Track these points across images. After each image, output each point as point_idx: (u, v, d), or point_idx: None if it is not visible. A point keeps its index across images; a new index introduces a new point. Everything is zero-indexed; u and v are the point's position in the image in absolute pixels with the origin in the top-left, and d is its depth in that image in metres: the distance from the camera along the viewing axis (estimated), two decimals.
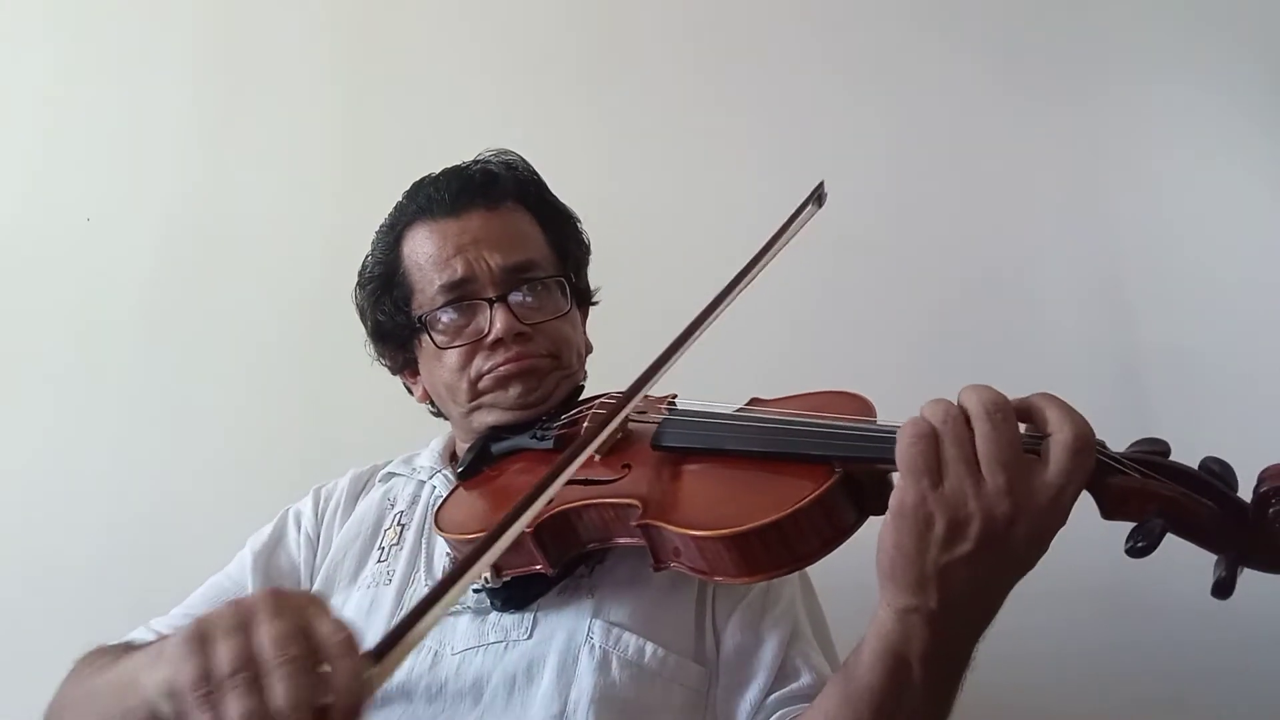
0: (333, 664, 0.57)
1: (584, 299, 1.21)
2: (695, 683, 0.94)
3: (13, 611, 1.58)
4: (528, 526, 0.86)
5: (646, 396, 1.01)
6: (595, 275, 1.26)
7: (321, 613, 0.61)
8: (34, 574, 1.60)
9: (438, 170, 1.19)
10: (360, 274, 1.19)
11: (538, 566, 0.91)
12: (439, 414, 1.20)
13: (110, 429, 1.71)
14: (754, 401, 0.95)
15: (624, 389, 1.02)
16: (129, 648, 0.99)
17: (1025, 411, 0.69)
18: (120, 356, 1.75)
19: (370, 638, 0.91)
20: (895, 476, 0.73)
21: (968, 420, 0.66)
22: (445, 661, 0.94)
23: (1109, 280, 1.81)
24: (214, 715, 0.56)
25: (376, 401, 1.66)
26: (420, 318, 1.09)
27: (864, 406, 0.85)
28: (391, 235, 1.15)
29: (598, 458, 0.93)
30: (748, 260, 0.88)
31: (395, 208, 1.18)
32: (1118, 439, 0.72)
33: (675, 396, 1.02)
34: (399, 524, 1.12)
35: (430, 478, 1.16)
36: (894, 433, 0.70)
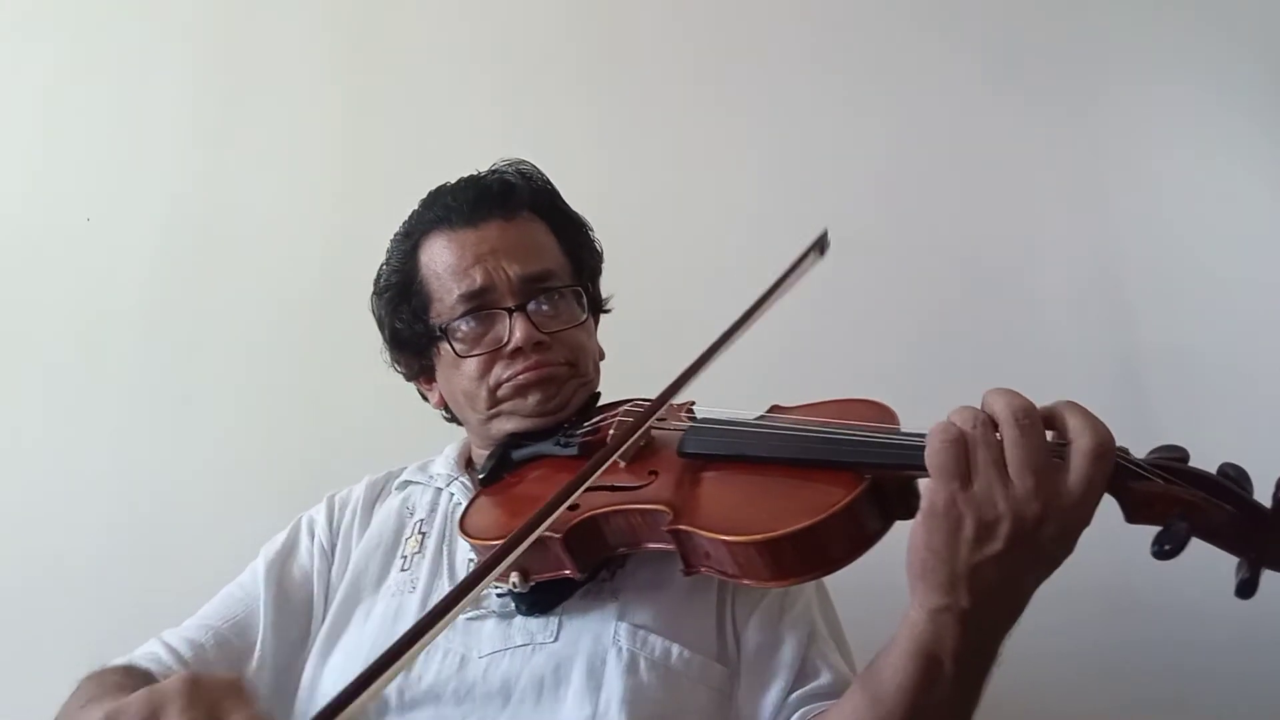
0: None
1: (597, 307, 1.23)
2: (719, 684, 0.96)
3: (12, 611, 1.58)
4: (555, 532, 0.88)
5: (668, 405, 1.03)
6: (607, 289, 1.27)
7: (237, 704, 0.63)
8: (34, 574, 1.60)
9: (452, 178, 1.20)
10: (376, 282, 1.20)
11: (566, 571, 0.92)
12: (452, 420, 1.22)
13: (110, 428, 1.71)
14: (774, 409, 0.97)
15: (641, 396, 1.06)
16: (128, 672, 1.00)
17: (1049, 419, 0.71)
18: (120, 356, 1.75)
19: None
20: (921, 482, 0.76)
21: (995, 425, 0.69)
22: (473, 665, 0.95)
23: (1109, 280, 1.81)
24: None
25: (376, 401, 1.66)
26: (440, 326, 1.10)
27: (887, 414, 0.87)
28: (408, 244, 1.16)
29: (623, 464, 0.94)
30: (746, 309, 0.91)
31: (411, 216, 1.19)
32: (1119, 439, 0.72)
33: (693, 404, 1.03)
34: (420, 532, 1.13)
35: (448, 485, 1.17)
36: (920, 440, 0.72)
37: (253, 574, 1.14)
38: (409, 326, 1.14)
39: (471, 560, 1.04)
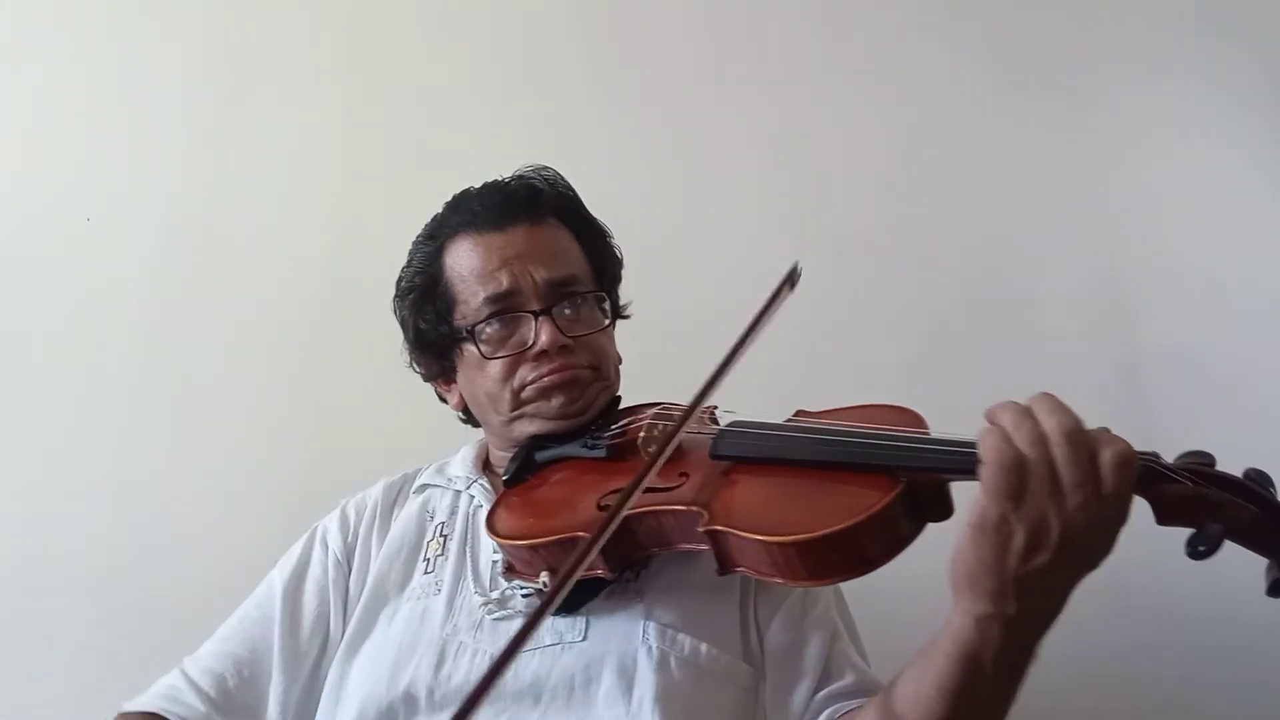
0: None
1: (617, 313, 1.24)
2: (745, 682, 0.98)
3: (12, 611, 1.58)
4: (587, 532, 0.89)
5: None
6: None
7: None
8: (34, 574, 1.60)
9: (451, 178, 1.21)
10: (398, 284, 1.21)
11: (599, 571, 0.93)
12: (468, 422, 1.22)
13: (110, 428, 1.71)
14: (800, 413, 0.98)
15: (655, 398, 1.10)
16: None
17: None
18: (120, 356, 1.75)
19: (424, 644, 0.99)
20: (952, 486, 0.79)
21: (1048, 443, 0.70)
22: None
23: (1109, 280, 1.81)
24: None
25: (375, 400, 1.67)
26: (465, 328, 1.11)
27: (915, 420, 0.88)
28: (432, 246, 1.17)
29: None
30: (729, 349, 0.89)
31: (434, 219, 1.20)
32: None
33: (715, 408, 1.04)
34: (441, 535, 1.13)
35: (468, 487, 1.18)
36: (954, 445, 0.76)
37: (269, 593, 1.14)
38: (433, 328, 1.15)
39: (495, 561, 1.05)
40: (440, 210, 1.20)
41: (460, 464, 1.22)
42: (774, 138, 1.92)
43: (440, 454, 1.27)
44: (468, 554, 1.09)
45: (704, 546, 0.86)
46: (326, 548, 1.17)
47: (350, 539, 1.17)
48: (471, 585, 1.05)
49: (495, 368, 1.10)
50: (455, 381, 1.19)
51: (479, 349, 1.10)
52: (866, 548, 0.78)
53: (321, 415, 1.72)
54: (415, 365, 1.23)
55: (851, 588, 1.11)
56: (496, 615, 1.00)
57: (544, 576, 0.94)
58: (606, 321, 1.16)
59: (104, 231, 1.82)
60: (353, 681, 1.03)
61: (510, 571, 1.00)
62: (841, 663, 0.98)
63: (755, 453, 0.92)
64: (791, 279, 0.95)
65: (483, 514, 1.08)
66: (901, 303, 1.80)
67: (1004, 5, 1.99)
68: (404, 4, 1.99)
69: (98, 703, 1.08)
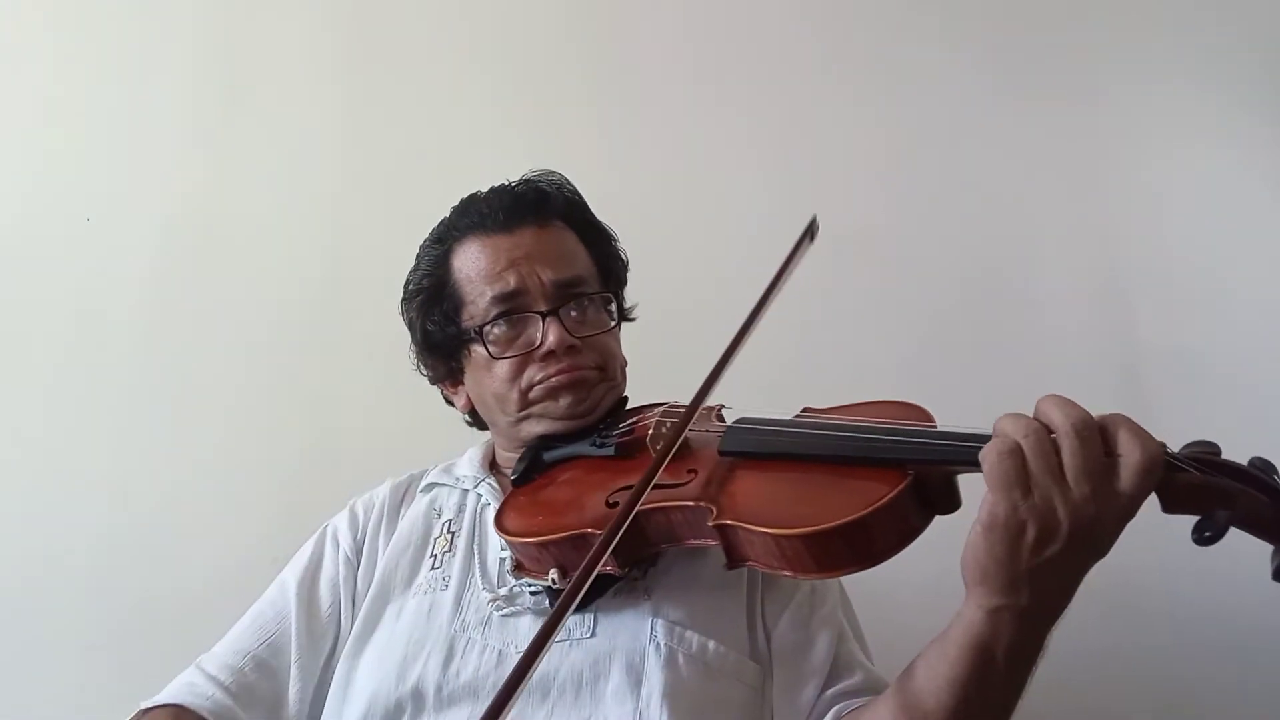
0: None
1: (623, 315, 1.25)
2: (753, 680, 0.99)
3: (12, 611, 1.58)
4: (597, 529, 0.90)
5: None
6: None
7: None
8: (34, 574, 1.60)
9: (451, 178, 1.22)
10: (406, 288, 1.21)
11: (608, 568, 0.93)
12: (474, 424, 1.23)
13: (109, 428, 1.71)
14: (806, 410, 0.98)
15: (659, 398, 1.10)
16: (178, 713, 1.02)
17: (1101, 429, 0.73)
18: (120, 356, 1.75)
19: (432, 640, 1.00)
20: (960, 478, 0.80)
21: (1048, 432, 0.72)
22: (510, 660, 0.97)
23: (1109, 280, 1.81)
24: None
25: (375, 400, 1.67)
26: (473, 329, 1.12)
27: (922, 415, 0.89)
28: (440, 249, 1.18)
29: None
30: (751, 309, 0.93)
31: (442, 223, 1.21)
32: None
33: (723, 407, 1.05)
34: (449, 532, 1.14)
35: (475, 486, 1.18)
36: (961, 437, 0.77)
37: (282, 591, 1.15)
38: (441, 329, 1.16)
39: (503, 559, 1.06)
40: (447, 214, 1.21)
41: (468, 464, 1.23)
42: (774, 138, 1.92)
43: (440, 454, 1.27)
44: (475, 551, 1.10)
45: (713, 542, 0.87)
46: (338, 545, 1.18)
47: (359, 536, 1.18)
48: (480, 582, 1.06)
49: (503, 368, 1.10)
50: (462, 384, 1.20)
51: (487, 349, 1.11)
52: (875, 539, 0.78)
53: (321, 415, 1.72)
54: (422, 368, 1.23)
55: (857, 591, 1.11)
56: (505, 612, 1.01)
57: (553, 573, 0.95)
58: (613, 323, 1.17)
59: (104, 231, 1.82)
60: (360, 678, 1.03)
61: (519, 569, 1.01)
62: (849, 661, 0.99)
63: (762, 448, 0.92)
64: (811, 231, 0.97)
65: (490, 512, 1.09)
66: (902, 303, 1.80)
67: (1004, 5, 1.99)
68: (404, 4, 1.99)
69: (98, 703, 1.08)
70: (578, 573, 0.75)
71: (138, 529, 1.64)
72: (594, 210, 1.23)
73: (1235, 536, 0.72)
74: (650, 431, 1.03)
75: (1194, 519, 0.71)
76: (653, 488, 0.89)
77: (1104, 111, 1.91)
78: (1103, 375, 1.72)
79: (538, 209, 1.15)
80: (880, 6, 1.99)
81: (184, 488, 1.67)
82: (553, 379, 1.09)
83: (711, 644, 0.97)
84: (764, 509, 0.84)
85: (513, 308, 1.10)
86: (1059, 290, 1.81)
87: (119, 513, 1.65)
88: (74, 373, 1.74)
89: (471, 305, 1.13)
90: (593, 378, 1.11)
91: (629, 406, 1.16)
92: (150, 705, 1.04)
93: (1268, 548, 0.72)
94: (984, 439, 0.74)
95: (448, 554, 1.11)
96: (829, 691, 0.97)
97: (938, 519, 0.81)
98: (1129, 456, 0.71)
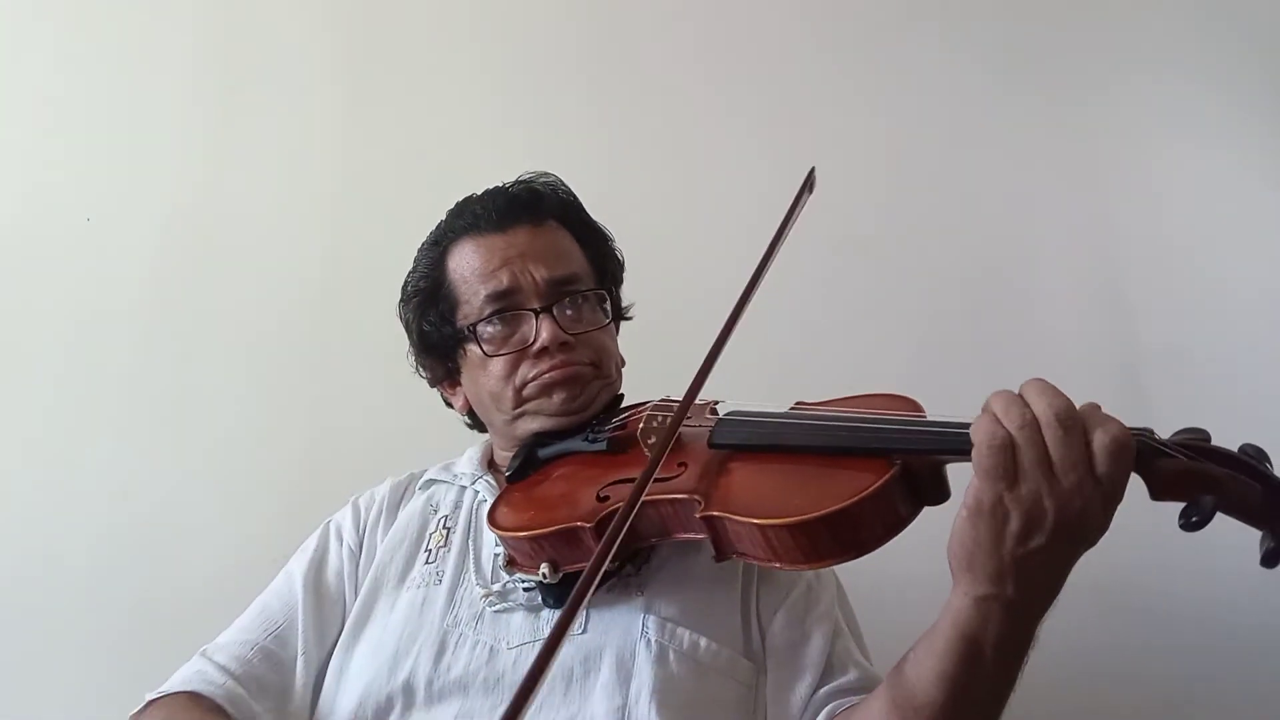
0: None
1: (619, 314, 1.26)
2: (746, 678, 0.98)
3: (12, 611, 1.58)
4: (587, 522, 0.91)
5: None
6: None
7: None
8: (33, 573, 1.60)
9: (451, 177, 1.23)
10: (403, 289, 1.22)
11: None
12: (474, 426, 1.24)
13: (110, 428, 1.71)
14: (799, 405, 0.98)
15: (656, 394, 1.10)
16: (196, 703, 1.02)
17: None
18: (119, 356, 1.75)
19: (425, 634, 1.00)
20: (948, 469, 0.80)
21: (1039, 426, 0.71)
22: (502, 656, 0.97)
23: (1109, 280, 1.81)
24: None
25: (375, 401, 1.67)
26: (467, 327, 1.13)
27: (912, 406, 0.88)
28: (436, 250, 1.19)
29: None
30: (759, 258, 0.94)
31: (439, 225, 1.21)
32: None
33: (718, 403, 1.05)
34: (444, 528, 1.15)
35: (473, 483, 1.19)
36: (948, 427, 0.77)
37: (288, 583, 1.15)
38: (436, 329, 1.17)
39: (498, 554, 1.06)
40: (445, 216, 1.22)
41: (467, 462, 1.24)
42: (774, 137, 1.92)
43: (440, 455, 1.28)
44: (470, 547, 1.11)
45: (701, 534, 0.87)
46: (341, 539, 1.19)
47: (360, 530, 1.19)
48: (474, 577, 1.06)
49: (497, 366, 1.11)
50: (460, 384, 1.20)
51: (481, 347, 1.11)
52: (861, 529, 0.79)
53: (321, 415, 1.72)
54: (421, 369, 1.24)
55: (857, 588, 1.11)
56: (497, 607, 1.01)
57: (544, 568, 0.95)
58: (607, 320, 1.17)
59: (104, 231, 1.82)
60: (353, 671, 1.04)
61: (511, 564, 1.01)
62: (844, 659, 0.99)
63: (752, 440, 0.93)
64: (809, 183, 0.98)
65: (486, 508, 1.09)
66: (901, 302, 1.80)
67: (1004, 5, 1.99)
68: (404, 4, 1.99)
69: (97, 703, 1.08)
70: (592, 562, 0.75)
71: (138, 529, 1.63)
72: (594, 209, 1.23)
73: (1236, 535, 0.72)
74: (641, 425, 1.03)
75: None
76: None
77: (1104, 111, 1.91)
78: (1103, 375, 1.72)
79: (531, 209, 1.16)
80: (880, 6, 1.99)
81: (184, 488, 1.67)
82: (546, 375, 1.10)
83: (704, 641, 0.96)
84: (750, 500, 0.85)
85: (506, 305, 1.11)
86: (1059, 290, 1.81)
87: (119, 513, 1.64)
88: (74, 373, 1.74)
89: (466, 305, 1.14)
90: (587, 374, 1.12)
91: (625, 404, 1.16)
92: (158, 695, 1.04)
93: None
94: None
95: (443, 549, 1.12)
96: (823, 690, 0.97)
97: (938, 515, 0.81)
98: (1098, 441, 0.70)
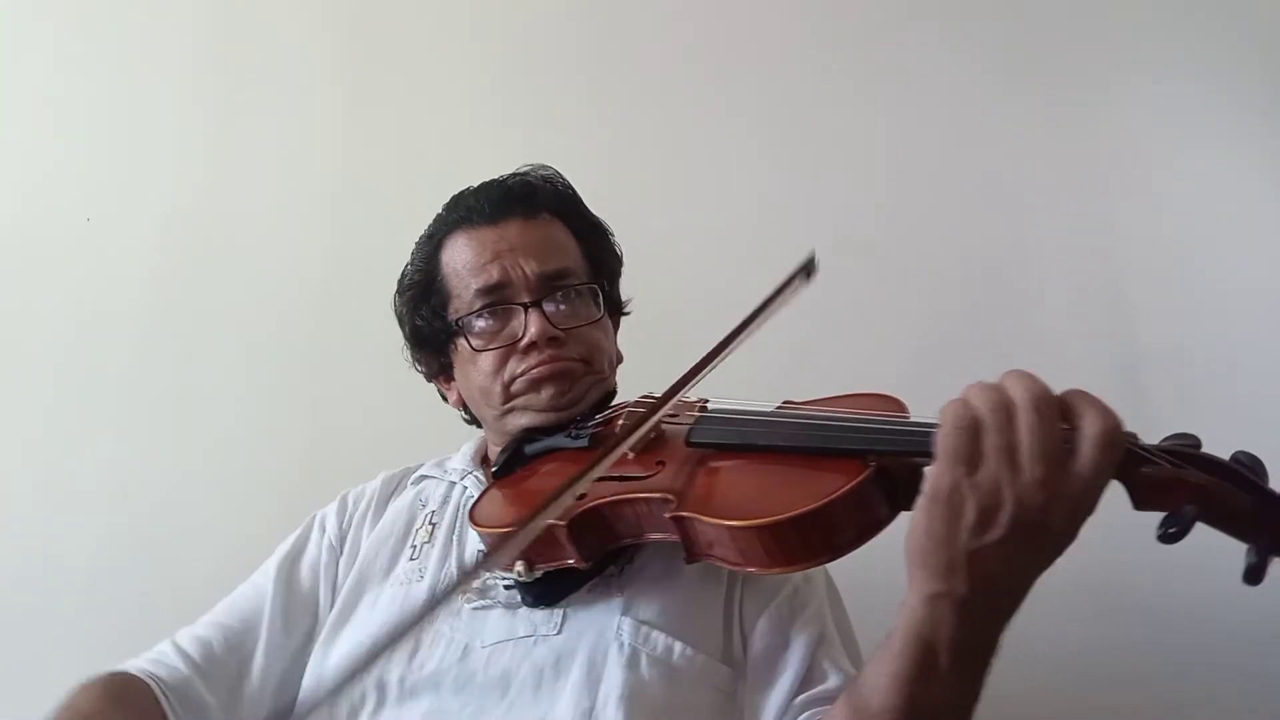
0: None
1: (616, 309, 1.24)
2: (723, 684, 0.96)
3: (12, 611, 1.58)
4: (560, 519, 0.89)
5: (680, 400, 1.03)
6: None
7: None
8: (33, 574, 1.60)
9: (451, 176, 1.22)
10: (399, 282, 1.22)
11: (570, 560, 0.92)
12: (472, 421, 1.23)
13: (110, 428, 1.71)
14: (786, 404, 0.97)
15: (651, 391, 1.06)
16: (123, 684, 1.02)
17: (1060, 406, 0.69)
18: (120, 356, 1.75)
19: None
20: (929, 470, 0.75)
21: (1012, 412, 0.67)
22: (475, 654, 0.96)
23: (1109, 280, 1.81)
24: None
25: (376, 400, 1.67)
26: (456, 321, 1.12)
27: (896, 406, 0.87)
28: (431, 244, 1.18)
29: (631, 455, 0.95)
30: (733, 329, 0.90)
31: (435, 219, 1.21)
32: None
33: (707, 401, 1.03)
34: (430, 523, 1.14)
35: (462, 479, 1.19)
36: (927, 428, 0.72)
37: (264, 571, 1.16)
38: (428, 324, 1.16)
39: (480, 551, 1.06)
40: (440, 210, 1.21)
41: (460, 458, 1.23)
42: (775, 137, 1.92)
43: (440, 453, 1.28)
44: (454, 543, 1.10)
45: (673, 535, 0.85)
46: (323, 531, 1.19)
47: (345, 524, 1.19)
48: (455, 574, 1.05)
49: (486, 360, 1.10)
50: (454, 379, 1.20)
51: (469, 342, 1.11)
52: (833, 532, 0.76)
53: (321, 415, 1.72)
54: (417, 364, 1.24)
55: (851, 588, 1.11)
56: (476, 604, 1.00)
57: (519, 566, 0.93)
58: (600, 314, 1.15)
59: (104, 231, 1.82)
60: (331, 665, 1.03)
61: None
62: (825, 666, 0.96)
63: (729, 440, 0.91)
64: (808, 269, 0.95)
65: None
66: (901, 303, 1.80)
67: (1005, 5, 1.99)
68: (404, 4, 1.99)
69: None
70: (493, 541, 0.73)
71: (138, 529, 1.64)
72: (594, 208, 1.23)
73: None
74: (621, 421, 1.02)
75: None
76: (620, 479, 0.89)
77: (1104, 111, 1.91)
78: (1103, 375, 1.72)
79: (525, 201, 1.15)
80: (880, 6, 1.99)
81: (184, 488, 1.67)
82: (534, 371, 1.08)
83: (678, 645, 0.94)
84: (721, 501, 0.83)
85: (496, 300, 1.10)
86: (1059, 290, 1.81)
87: (119, 513, 1.65)
88: (74, 373, 1.74)
89: (457, 299, 1.13)
90: (576, 370, 1.10)
91: (619, 401, 1.15)
92: (117, 670, 1.04)
93: None
94: None
95: (427, 545, 1.11)
96: (800, 697, 0.93)
97: None
98: (1087, 429, 0.66)
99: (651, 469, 0.92)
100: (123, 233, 1.82)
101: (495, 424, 1.15)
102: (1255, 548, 0.67)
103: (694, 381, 0.88)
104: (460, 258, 1.13)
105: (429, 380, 1.24)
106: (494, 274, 1.10)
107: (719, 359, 0.89)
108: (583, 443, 1.04)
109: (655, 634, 0.94)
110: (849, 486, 0.75)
